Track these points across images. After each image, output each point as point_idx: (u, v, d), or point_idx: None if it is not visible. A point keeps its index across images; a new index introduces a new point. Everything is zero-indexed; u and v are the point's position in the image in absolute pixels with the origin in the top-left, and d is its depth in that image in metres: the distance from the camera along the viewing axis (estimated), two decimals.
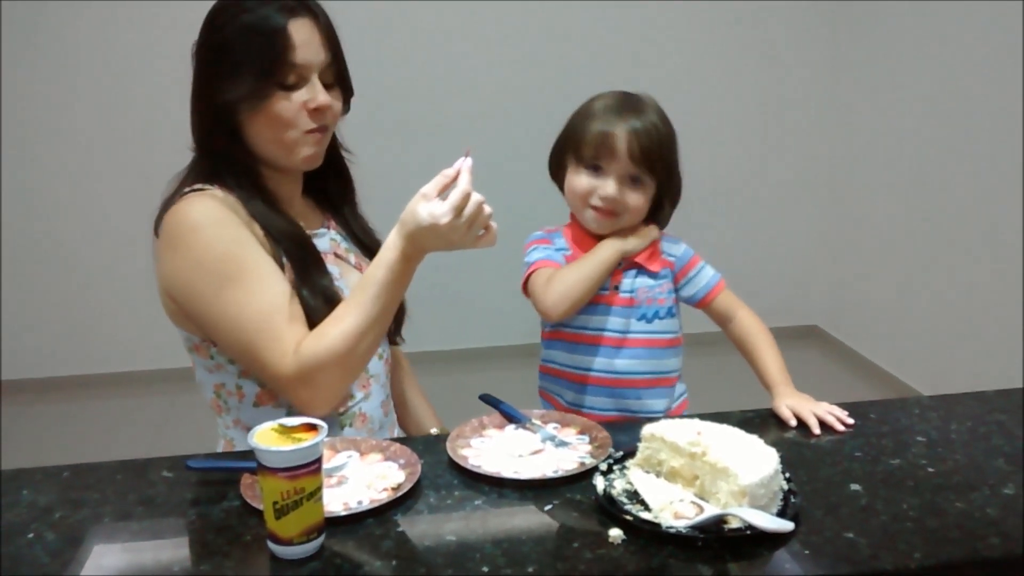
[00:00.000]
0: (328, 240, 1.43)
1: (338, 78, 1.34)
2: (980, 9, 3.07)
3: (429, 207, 1.15)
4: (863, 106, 3.91)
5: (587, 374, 1.45)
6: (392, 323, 1.47)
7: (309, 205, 1.47)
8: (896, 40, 3.62)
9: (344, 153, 1.48)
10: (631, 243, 1.44)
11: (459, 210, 1.14)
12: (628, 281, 1.45)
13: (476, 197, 1.16)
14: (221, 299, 1.22)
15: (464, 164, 1.17)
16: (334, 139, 1.44)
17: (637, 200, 1.42)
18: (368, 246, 1.48)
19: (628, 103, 1.42)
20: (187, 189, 1.30)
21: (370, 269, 1.23)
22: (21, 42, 3.58)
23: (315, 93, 1.28)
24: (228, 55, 1.27)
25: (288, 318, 1.22)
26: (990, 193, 3.11)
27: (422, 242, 1.18)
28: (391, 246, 1.21)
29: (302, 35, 1.26)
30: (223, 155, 1.32)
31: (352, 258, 1.45)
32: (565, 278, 1.41)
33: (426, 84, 3.83)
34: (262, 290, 1.22)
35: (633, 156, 1.38)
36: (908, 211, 3.62)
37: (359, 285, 1.24)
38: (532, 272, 1.46)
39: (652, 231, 1.47)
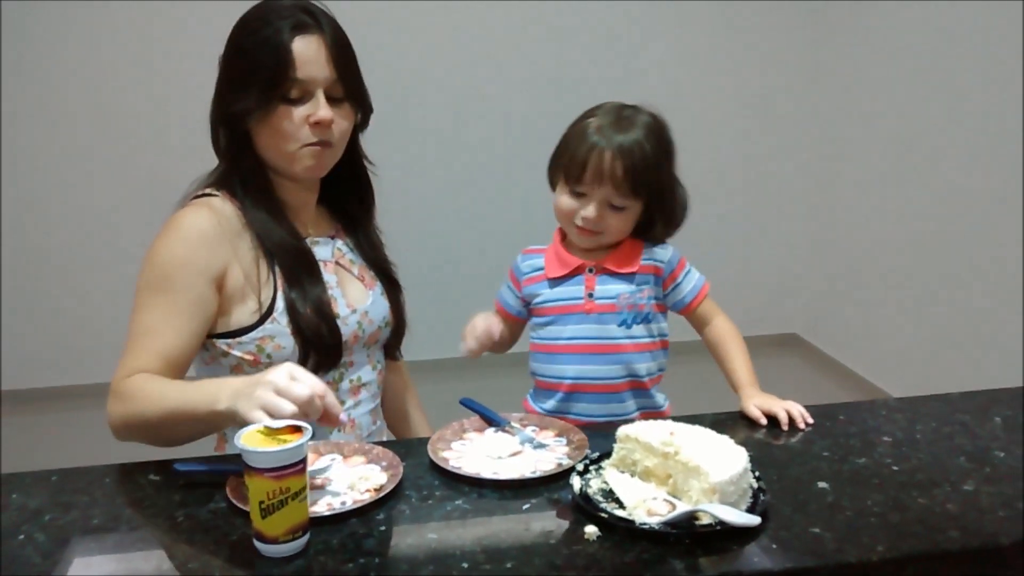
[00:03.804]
0: (332, 249, 1.47)
1: (349, 94, 1.37)
2: (964, 12, 3.12)
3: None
4: (843, 116, 3.97)
5: (573, 382, 1.49)
6: (392, 337, 1.54)
7: (323, 213, 1.51)
8: (876, 49, 3.68)
9: (368, 165, 1.52)
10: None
11: (294, 376, 1.10)
12: (601, 287, 1.48)
13: (319, 387, 1.10)
14: (139, 296, 1.31)
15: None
16: (356, 151, 1.48)
17: (619, 223, 1.45)
18: (372, 258, 1.53)
19: (618, 125, 1.41)
20: (197, 192, 1.38)
21: (200, 385, 1.21)
22: (21, 52, 3.61)
23: (317, 108, 1.32)
24: (241, 66, 1.33)
25: (155, 349, 1.27)
26: (969, 204, 3.16)
27: (248, 379, 1.14)
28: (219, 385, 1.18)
29: (308, 52, 1.31)
30: (235, 161, 1.38)
31: (355, 269, 1.49)
32: None
33: (421, 87, 3.90)
34: (160, 313, 1.29)
35: (616, 184, 1.40)
36: (887, 220, 3.68)
37: (190, 384, 1.23)
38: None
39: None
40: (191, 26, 3.57)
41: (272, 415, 1.06)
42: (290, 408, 1.06)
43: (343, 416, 1.37)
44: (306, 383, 1.09)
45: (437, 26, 3.85)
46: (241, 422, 1.07)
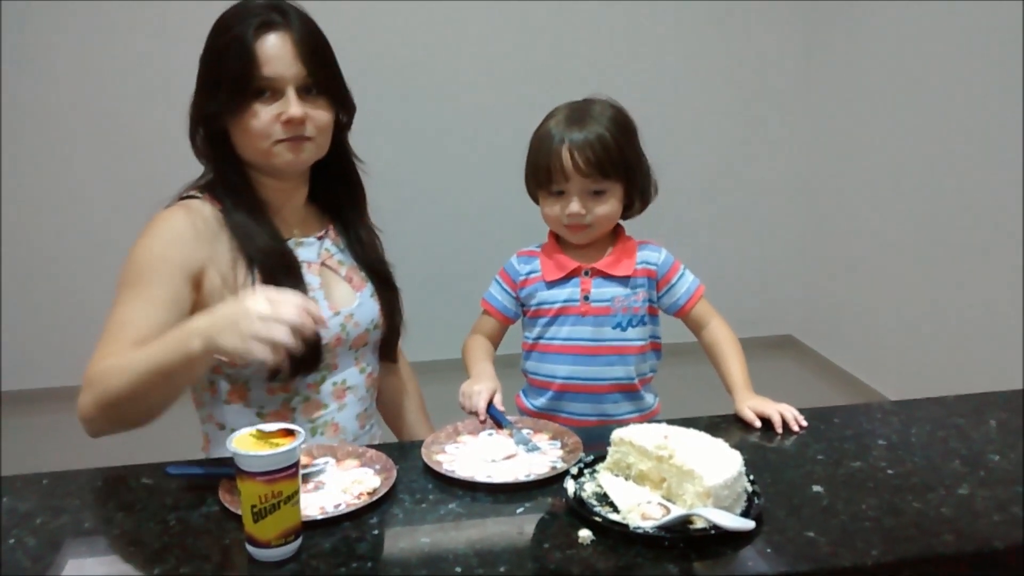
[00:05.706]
0: (319, 249, 1.46)
1: (324, 90, 1.37)
2: (956, 13, 3.12)
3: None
4: (837, 117, 3.97)
5: (565, 382, 1.50)
6: (386, 339, 1.52)
7: (312, 211, 1.50)
8: (870, 48, 3.68)
9: (357, 163, 1.52)
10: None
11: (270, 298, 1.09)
12: (597, 290, 1.49)
13: (299, 300, 1.09)
14: (117, 294, 1.31)
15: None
16: (343, 148, 1.48)
17: (604, 209, 1.46)
18: (364, 259, 1.51)
19: (574, 118, 1.45)
20: (183, 194, 1.39)
21: (163, 339, 1.19)
22: (21, 52, 3.60)
23: (287, 106, 1.32)
24: (212, 67, 1.34)
25: (129, 340, 1.24)
26: (965, 204, 3.16)
27: (217, 314, 1.13)
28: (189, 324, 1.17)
29: (273, 49, 1.31)
30: (214, 161, 1.39)
31: (343, 270, 1.48)
32: (463, 355, 1.55)
33: (418, 86, 3.90)
34: (136, 307, 1.28)
35: (584, 174, 1.42)
36: (882, 221, 3.68)
37: (152, 343, 1.20)
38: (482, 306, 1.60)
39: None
40: (191, 27, 3.55)
41: (268, 343, 1.05)
42: (284, 332, 1.05)
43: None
44: (288, 302, 1.08)
45: (432, 23, 3.85)
46: (231, 357, 1.09)
